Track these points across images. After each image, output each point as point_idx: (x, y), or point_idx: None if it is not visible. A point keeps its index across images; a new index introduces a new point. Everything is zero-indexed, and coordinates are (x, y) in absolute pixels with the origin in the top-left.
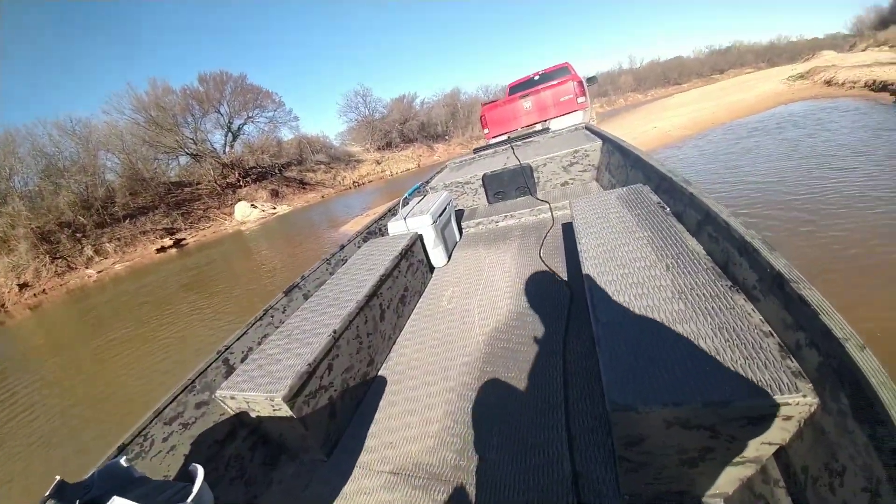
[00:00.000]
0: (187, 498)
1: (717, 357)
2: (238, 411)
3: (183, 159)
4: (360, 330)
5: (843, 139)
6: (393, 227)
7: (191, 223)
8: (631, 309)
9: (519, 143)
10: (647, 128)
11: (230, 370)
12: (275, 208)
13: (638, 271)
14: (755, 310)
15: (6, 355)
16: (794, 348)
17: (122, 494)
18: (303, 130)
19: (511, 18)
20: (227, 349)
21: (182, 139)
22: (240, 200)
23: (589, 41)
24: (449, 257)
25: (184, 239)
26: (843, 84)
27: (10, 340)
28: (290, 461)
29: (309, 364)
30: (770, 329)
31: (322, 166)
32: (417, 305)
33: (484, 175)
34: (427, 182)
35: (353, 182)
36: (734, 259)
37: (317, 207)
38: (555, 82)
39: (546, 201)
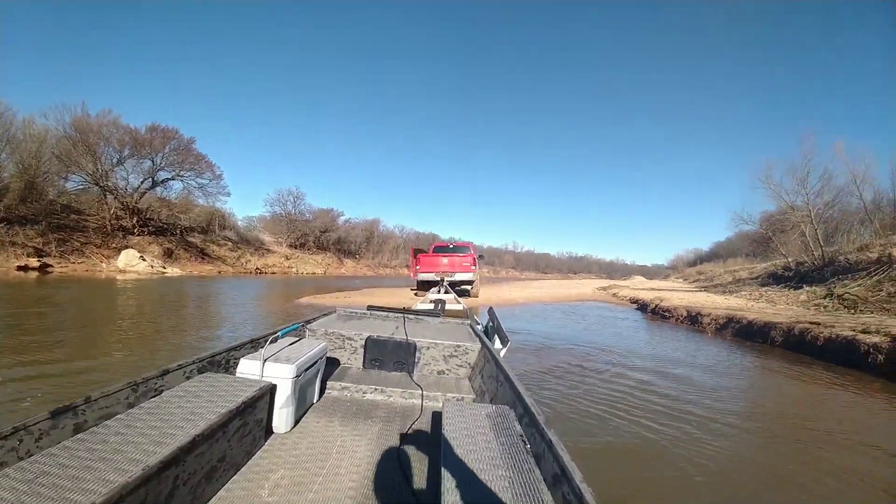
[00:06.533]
0: None
1: None
2: None
3: (72, 183)
4: None
5: (595, 319)
6: (245, 366)
7: (62, 252)
8: None
9: (411, 317)
10: (508, 294)
11: None
12: (164, 268)
13: None
14: None
15: None
16: None
17: None
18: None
19: (427, 179)
20: None
21: (101, 170)
22: (128, 247)
23: (484, 220)
24: (296, 422)
25: (50, 266)
26: (620, 297)
27: None
28: None
29: None
30: None
31: (229, 243)
32: (226, 486)
33: (368, 337)
34: (308, 322)
35: (257, 268)
36: None
37: (210, 281)
38: (461, 254)
39: (420, 386)
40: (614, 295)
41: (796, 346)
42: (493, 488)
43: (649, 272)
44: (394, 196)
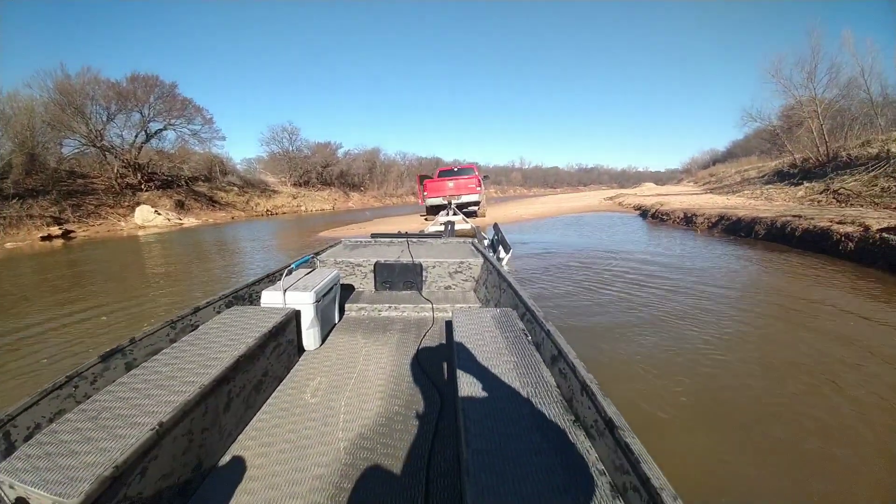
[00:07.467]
0: None
1: (564, 495)
2: None
3: (68, 149)
4: (195, 424)
5: (597, 226)
6: (267, 297)
7: (80, 217)
8: (497, 437)
9: (414, 240)
10: (515, 212)
11: (10, 448)
12: (181, 219)
13: (505, 398)
14: (592, 447)
15: None
16: (621, 489)
17: None
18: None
19: (432, 103)
20: (9, 420)
21: (94, 130)
22: (140, 204)
23: (488, 138)
24: (323, 340)
25: (72, 231)
26: (625, 205)
27: None
28: None
29: (116, 467)
30: (603, 468)
31: (235, 188)
32: (274, 395)
33: (376, 262)
34: (317, 254)
35: (268, 210)
36: (577, 397)
37: (227, 227)
38: (466, 176)
39: (430, 301)
40: (620, 204)
41: (778, 237)
42: (499, 371)
43: (662, 178)
44: (392, 123)
